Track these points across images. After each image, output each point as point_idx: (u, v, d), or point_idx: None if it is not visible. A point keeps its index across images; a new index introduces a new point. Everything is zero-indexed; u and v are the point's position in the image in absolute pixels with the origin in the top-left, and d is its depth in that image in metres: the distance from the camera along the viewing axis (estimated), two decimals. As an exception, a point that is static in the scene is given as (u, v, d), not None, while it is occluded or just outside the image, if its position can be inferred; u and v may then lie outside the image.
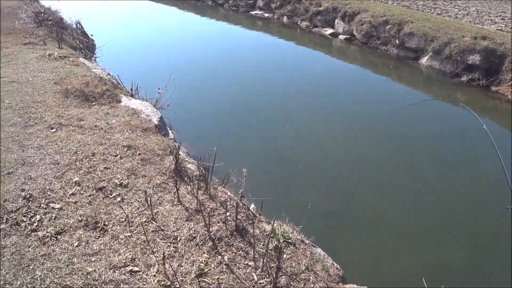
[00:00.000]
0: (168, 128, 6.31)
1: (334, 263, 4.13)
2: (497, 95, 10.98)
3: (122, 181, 4.11)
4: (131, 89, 7.46)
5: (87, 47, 10.51)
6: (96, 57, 11.10)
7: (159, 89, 9.84)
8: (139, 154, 4.71)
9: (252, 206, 5.34)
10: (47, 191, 3.79)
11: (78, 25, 11.13)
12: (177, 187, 3.95)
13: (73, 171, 4.15)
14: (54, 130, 5.01)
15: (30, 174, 4.02)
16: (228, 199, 4.36)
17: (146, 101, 7.30)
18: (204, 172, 4.37)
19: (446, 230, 5.71)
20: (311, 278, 3.60)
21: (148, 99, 7.48)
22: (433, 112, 9.88)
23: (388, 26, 14.93)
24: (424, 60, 13.60)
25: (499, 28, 14.48)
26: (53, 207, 3.58)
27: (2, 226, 3.28)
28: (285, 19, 18.29)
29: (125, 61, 12.15)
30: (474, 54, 12.02)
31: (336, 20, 16.69)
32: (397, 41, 14.44)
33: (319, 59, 14.50)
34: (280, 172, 6.91)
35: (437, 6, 18.63)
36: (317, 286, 3.54)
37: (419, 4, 18.80)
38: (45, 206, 3.58)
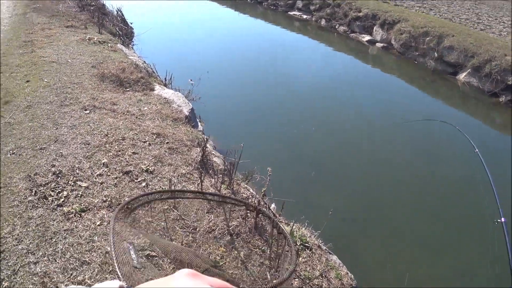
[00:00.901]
0: (197, 120, 6.37)
1: (349, 272, 4.07)
2: None
3: (148, 167, 4.17)
4: (165, 78, 7.57)
5: (125, 34, 10.72)
6: (133, 45, 11.32)
7: (191, 80, 9.96)
8: (167, 142, 4.77)
9: (273, 206, 5.33)
10: (76, 169, 3.89)
11: (119, 12, 11.37)
12: (201, 179, 3.98)
13: (102, 153, 4.25)
14: (88, 111, 5.14)
15: (61, 151, 4.14)
16: (250, 196, 4.37)
17: (179, 92, 7.39)
18: (229, 167, 4.39)
19: (469, 240, 5.56)
20: (323, 285, 3.57)
21: (181, 89, 7.57)
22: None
23: (428, 38, 14.60)
24: (462, 76, 13.23)
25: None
26: (80, 185, 3.67)
27: (30, 198, 3.39)
28: (323, 22, 18.13)
29: (161, 51, 12.33)
30: (516, 74, 11.62)
31: (374, 28, 16.44)
32: (436, 54, 14.11)
33: (354, 66, 14.33)
34: (303, 174, 6.86)
35: (481, 21, 18.05)
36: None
37: (462, 18, 18.27)
38: (72, 183, 3.67)
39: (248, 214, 3.84)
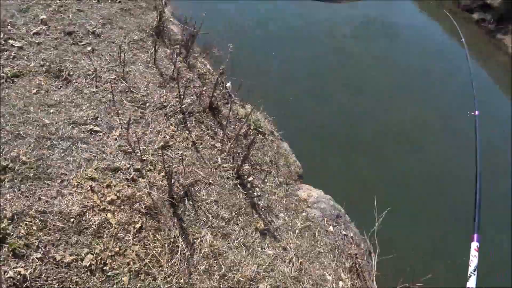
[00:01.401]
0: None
1: (297, 160, 4.07)
2: (499, 43, 9.94)
3: (95, 28, 3.70)
4: None
5: None
6: None
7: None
8: (119, 2, 4.20)
9: (229, 84, 5.07)
10: (8, 25, 3.37)
11: None
12: (156, 48, 3.59)
13: (40, 7, 3.68)
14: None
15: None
16: (207, 73, 4.07)
17: None
18: (187, 38, 3.98)
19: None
20: (272, 171, 3.56)
21: None
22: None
23: None
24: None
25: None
26: (12, 45, 3.21)
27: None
28: None
29: None
30: (496, -7, 10.79)
31: None
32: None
33: None
34: (268, 58, 6.48)
35: None
36: (277, 181, 3.52)
37: None
38: (3, 41, 3.20)
39: (204, 92, 3.60)
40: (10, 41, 3.23)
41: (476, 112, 3.08)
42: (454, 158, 5.39)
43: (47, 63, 3.17)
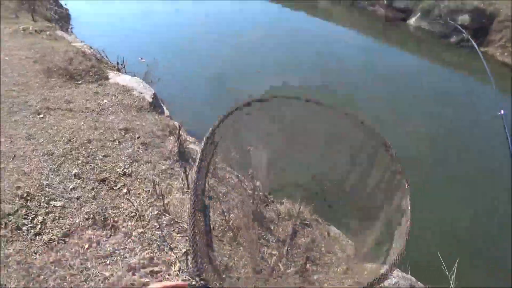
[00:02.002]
0: (162, 104, 5.94)
1: (349, 240, 3.98)
2: (486, 56, 10.74)
3: (125, 169, 3.81)
4: (117, 63, 6.97)
5: (62, 17, 9.80)
6: (72, 28, 10.39)
7: (141, 58, 9.34)
8: (138, 137, 4.38)
9: (258, 183, 5.12)
10: (45, 187, 3.47)
11: (50, -6, 10.34)
12: (187, 173, 3.68)
13: (70, 162, 3.83)
14: (41, 115, 4.61)
15: (23, 168, 3.68)
16: (238, 181, 4.13)
17: (135, 75, 6.87)
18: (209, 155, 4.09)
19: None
20: (333, 260, 3.47)
21: (136, 73, 7.02)
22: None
23: (375, -16, 14.44)
24: (412, 21, 13.29)
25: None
26: (54, 206, 3.28)
27: (2, 233, 2.99)
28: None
29: (105, 34, 11.44)
30: (463, 14, 11.77)
31: (320, -22, 16.03)
32: (385, 1, 14.00)
33: (301, 20, 13.99)
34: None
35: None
36: (340, 270, 3.41)
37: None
38: (45, 204, 3.28)
39: (243, 203, 3.61)
40: (52, 202, 3.30)
41: (502, 111, 3.25)
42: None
43: (91, 215, 3.21)
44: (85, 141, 4.15)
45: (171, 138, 4.56)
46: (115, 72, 6.41)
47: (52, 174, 3.64)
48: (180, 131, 4.47)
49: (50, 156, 3.88)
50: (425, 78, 9.66)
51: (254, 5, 15.11)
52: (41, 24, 7.93)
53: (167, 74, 7.96)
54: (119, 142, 4.24)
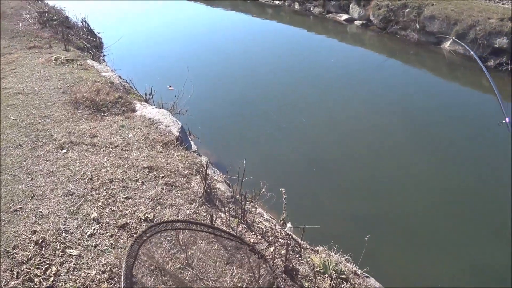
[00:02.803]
0: (189, 139, 5.72)
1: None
2: None
3: (147, 214, 3.55)
4: (145, 93, 6.87)
5: (94, 46, 9.91)
6: (104, 56, 10.50)
7: (169, 86, 9.28)
8: (162, 177, 4.14)
9: (289, 225, 4.81)
10: (62, 232, 3.24)
11: (84, 23, 10.51)
12: (213, 221, 3.38)
13: (89, 204, 3.60)
14: (65, 150, 4.46)
15: (41, 210, 3.48)
16: (270, 228, 3.80)
17: (162, 106, 6.74)
18: (241, 199, 3.81)
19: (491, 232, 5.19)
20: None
21: (164, 103, 6.90)
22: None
23: (407, 10, 14.13)
24: (447, 45, 12.87)
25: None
26: (70, 254, 3.04)
27: (12, 284, 2.75)
28: (296, 5, 17.47)
29: (136, 60, 11.54)
30: (501, 37, 11.29)
31: (351, 5, 15.87)
32: (418, 25, 13.66)
33: (334, 47, 13.76)
34: (312, 179, 6.31)
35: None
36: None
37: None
38: (60, 253, 3.04)
39: (274, 254, 3.27)
40: (68, 251, 3.06)
41: (507, 119, 3.37)
42: None
43: (108, 267, 2.94)
44: (107, 181, 3.94)
45: (197, 177, 4.29)
46: (142, 103, 6.28)
47: (70, 217, 3.41)
48: (207, 170, 4.20)
49: (70, 197, 3.68)
50: (464, 106, 9.20)
51: (283, 30, 15.06)
52: (72, 53, 7.97)
53: (196, 103, 7.80)
54: (142, 182, 4.00)
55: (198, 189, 4.09)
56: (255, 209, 4.32)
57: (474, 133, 7.73)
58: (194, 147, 5.49)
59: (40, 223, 3.33)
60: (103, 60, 9.97)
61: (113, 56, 10.57)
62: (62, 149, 4.49)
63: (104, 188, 3.83)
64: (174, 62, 11.40)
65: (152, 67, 10.82)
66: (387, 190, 6.05)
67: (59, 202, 3.59)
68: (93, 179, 3.96)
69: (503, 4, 13.90)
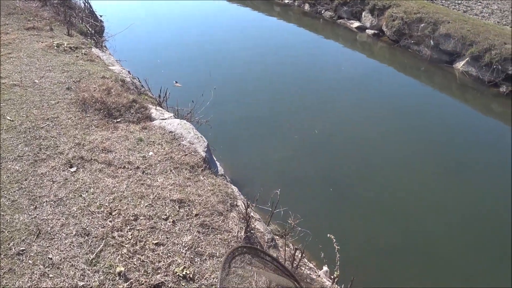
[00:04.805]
0: (214, 158, 4.99)
1: None
2: None
3: (185, 268, 2.84)
4: (159, 96, 6.05)
5: (97, 32, 8.98)
6: (104, 42, 9.55)
7: (176, 82, 8.54)
8: (196, 215, 3.42)
9: (325, 269, 4.21)
10: (80, 292, 2.51)
11: (87, 4, 9.55)
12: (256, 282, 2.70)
13: (112, 250, 2.87)
14: (74, 169, 3.68)
15: (50, 256, 2.73)
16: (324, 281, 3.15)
17: (177, 112, 6.00)
18: (292, 252, 3.14)
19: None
20: None
21: (179, 109, 6.12)
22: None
23: (422, 25, 13.65)
24: (460, 65, 12.45)
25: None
26: (92, 331, 2.31)
27: None
28: (306, 6, 16.78)
29: (138, 47, 10.67)
30: (517, 63, 10.96)
31: (363, 13, 15.28)
32: (432, 42, 13.20)
33: (346, 56, 13.20)
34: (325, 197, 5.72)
35: (460, 2, 17.30)
36: None
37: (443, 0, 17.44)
38: (80, 329, 2.31)
39: None
40: (89, 328, 2.33)
41: None
42: None
43: None
44: (131, 217, 3.20)
45: (233, 214, 3.60)
46: (156, 107, 5.50)
47: (89, 270, 2.68)
48: (248, 209, 3.50)
49: (86, 238, 2.93)
50: (474, 130, 8.87)
51: (290, 29, 14.38)
52: (76, 39, 7.08)
53: (212, 109, 7.02)
54: (173, 222, 3.27)
55: (238, 232, 3.40)
56: (299, 253, 3.64)
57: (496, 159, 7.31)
58: (221, 169, 4.78)
59: (51, 276, 2.59)
60: (105, 47, 9.07)
61: (115, 43, 9.66)
62: (71, 166, 3.71)
63: (128, 228, 3.09)
64: (181, 56, 10.56)
65: (156, 58, 9.99)
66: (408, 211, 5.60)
67: (73, 245, 2.85)
68: (113, 213, 3.21)
69: (505, 25, 13.62)
